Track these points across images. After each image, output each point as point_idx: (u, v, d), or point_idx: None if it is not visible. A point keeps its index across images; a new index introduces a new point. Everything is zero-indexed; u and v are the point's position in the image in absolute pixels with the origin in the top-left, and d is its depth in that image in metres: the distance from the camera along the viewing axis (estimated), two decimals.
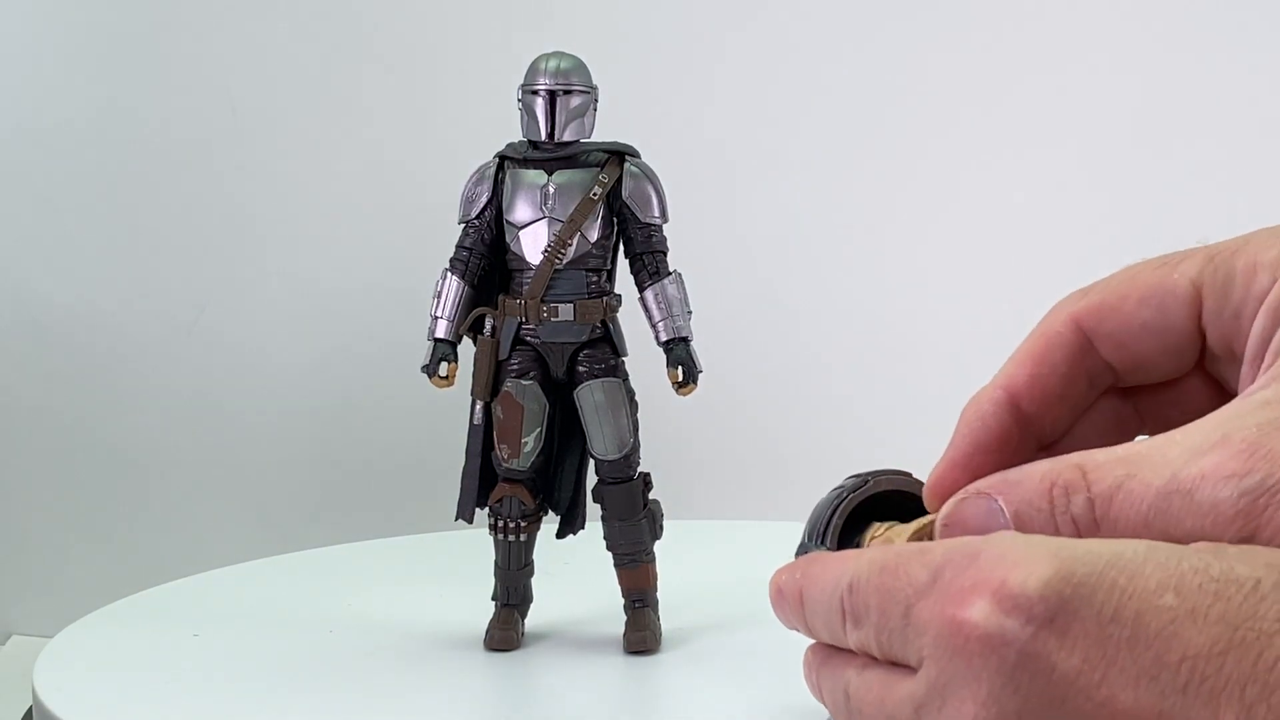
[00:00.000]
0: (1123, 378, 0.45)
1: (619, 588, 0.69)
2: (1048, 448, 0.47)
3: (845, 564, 0.43)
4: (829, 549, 0.48)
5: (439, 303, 0.69)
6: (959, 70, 1.15)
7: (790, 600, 0.48)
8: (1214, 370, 0.45)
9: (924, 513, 0.49)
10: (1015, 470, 0.42)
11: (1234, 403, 0.39)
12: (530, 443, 0.68)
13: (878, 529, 0.49)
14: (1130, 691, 0.35)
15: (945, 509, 0.43)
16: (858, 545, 0.46)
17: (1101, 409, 0.47)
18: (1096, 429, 0.47)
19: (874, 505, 0.51)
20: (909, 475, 0.51)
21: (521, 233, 0.68)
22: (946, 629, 0.38)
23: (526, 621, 0.70)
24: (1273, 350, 0.40)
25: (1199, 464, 0.37)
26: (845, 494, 0.51)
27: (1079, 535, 0.39)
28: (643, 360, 0.70)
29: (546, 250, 0.67)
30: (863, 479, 0.51)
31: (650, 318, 0.68)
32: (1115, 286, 0.45)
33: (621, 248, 0.70)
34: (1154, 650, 0.35)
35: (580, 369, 0.68)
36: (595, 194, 0.67)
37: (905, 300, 1.15)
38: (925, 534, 0.44)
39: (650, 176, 0.69)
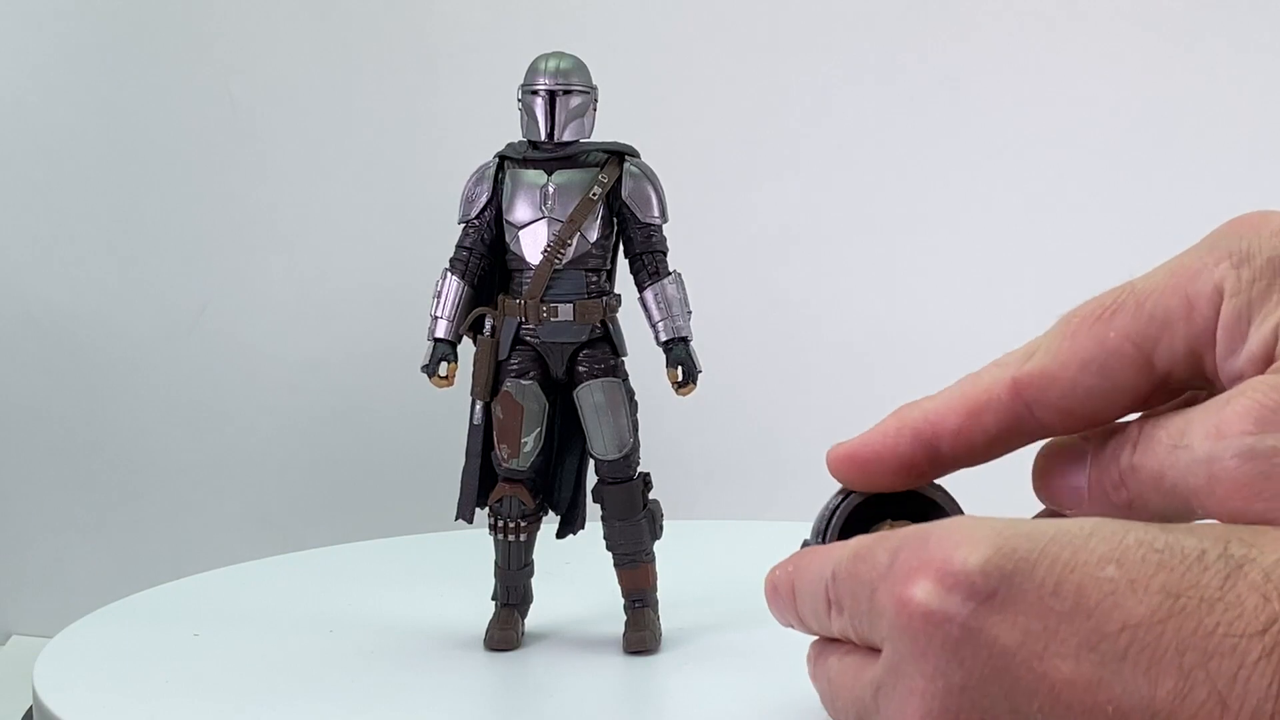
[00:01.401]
0: (1062, 432, 0.47)
1: (619, 588, 0.69)
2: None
3: (831, 554, 0.44)
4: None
5: (439, 303, 0.69)
6: (963, 70, 1.15)
7: (783, 593, 0.49)
8: (1182, 389, 0.45)
9: (937, 512, 0.50)
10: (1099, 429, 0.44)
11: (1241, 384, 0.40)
12: (530, 443, 0.68)
13: (882, 527, 0.49)
14: (1070, 662, 0.36)
15: (1047, 443, 0.45)
16: None
17: None
18: None
19: (887, 505, 0.51)
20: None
21: (521, 233, 0.68)
22: (894, 608, 0.39)
23: (526, 621, 0.70)
24: (1258, 359, 0.42)
25: (1197, 425, 0.40)
26: (849, 493, 0.52)
27: (1120, 479, 0.42)
28: (643, 360, 0.70)
29: (546, 250, 0.67)
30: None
31: (650, 318, 0.68)
32: (1056, 351, 0.46)
33: (621, 248, 0.70)
34: (1094, 621, 0.36)
35: (580, 369, 0.68)
36: (595, 194, 0.67)
37: (906, 300, 1.15)
38: None
39: (650, 176, 0.69)
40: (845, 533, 0.51)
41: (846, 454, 0.50)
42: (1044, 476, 0.47)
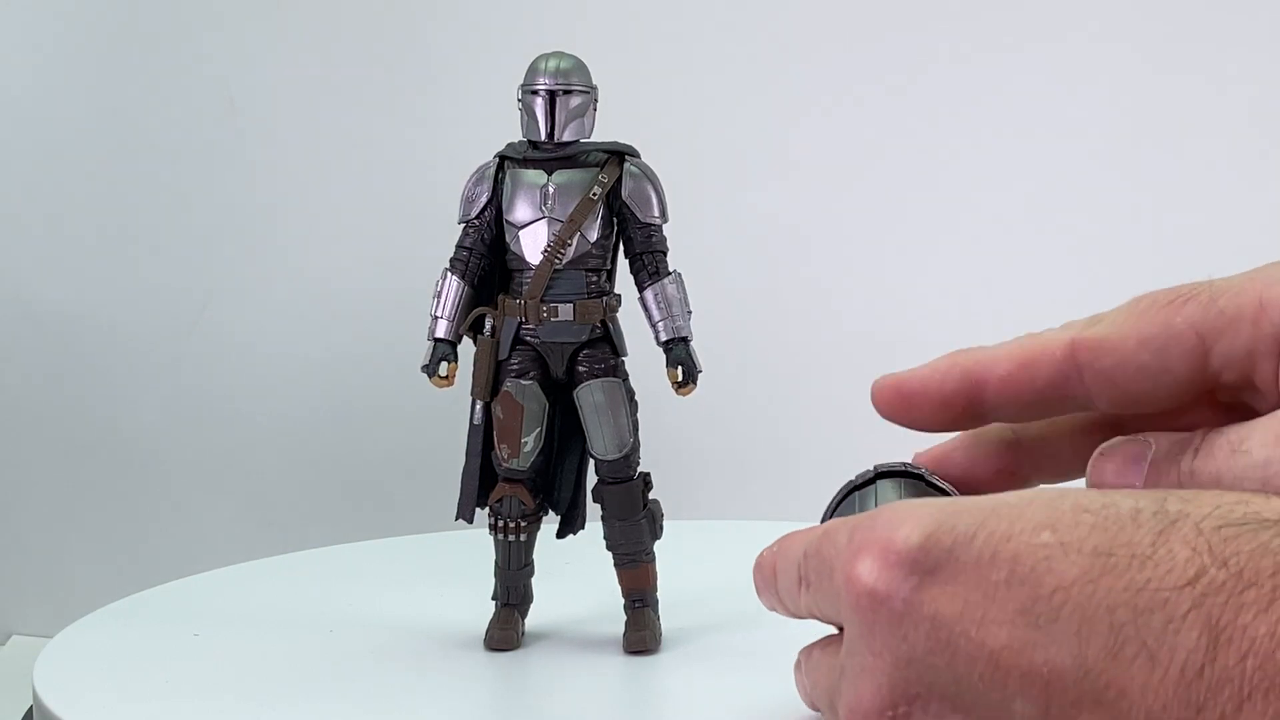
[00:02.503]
0: (1101, 407, 0.48)
1: (619, 588, 0.69)
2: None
3: (808, 534, 0.45)
4: None
5: (439, 303, 0.69)
6: (965, 69, 1.15)
7: (765, 573, 0.49)
8: (1226, 399, 0.46)
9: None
10: (1168, 432, 0.45)
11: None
12: (530, 443, 0.68)
13: None
14: (1006, 628, 0.36)
15: (1108, 444, 0.46)
16: None
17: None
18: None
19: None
20: (917, 467, 0.51)
21: (521, 233, 0.68)
22: (845, 587, 0.39)
23: (526, 621, 0.70)
24: None
25: (1259, 433, 0.41)
26: (849, 486, 0.52)
27: (1178, 482, 0.43)
28: (643, 360, 0.70)
29: (546, 250, 0.67)
30: (868, 472, 0.52)
31: (650, 318, 0.68)
32: (1121, 323, 0.47)
33: (621, 248, 0.70)
34: (1029, 586, 0.37)
35: (580, 369, 0.68)
36: (595, 194, 0.67)
37: (907, 300, 1.15)
38: None
39: (650, 176, 0.69)
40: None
41: (893, 384, 0.50)
42: (1099, 472, 0.47)
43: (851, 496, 0.52)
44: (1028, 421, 0.50)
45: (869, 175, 1.18)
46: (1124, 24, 1.12)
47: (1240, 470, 0.42)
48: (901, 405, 0.50)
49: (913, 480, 0.51)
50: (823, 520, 0.52)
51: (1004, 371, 0.49)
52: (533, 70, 0.68)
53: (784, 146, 1.19)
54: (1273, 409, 0.43)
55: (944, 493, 0.51)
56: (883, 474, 0.52)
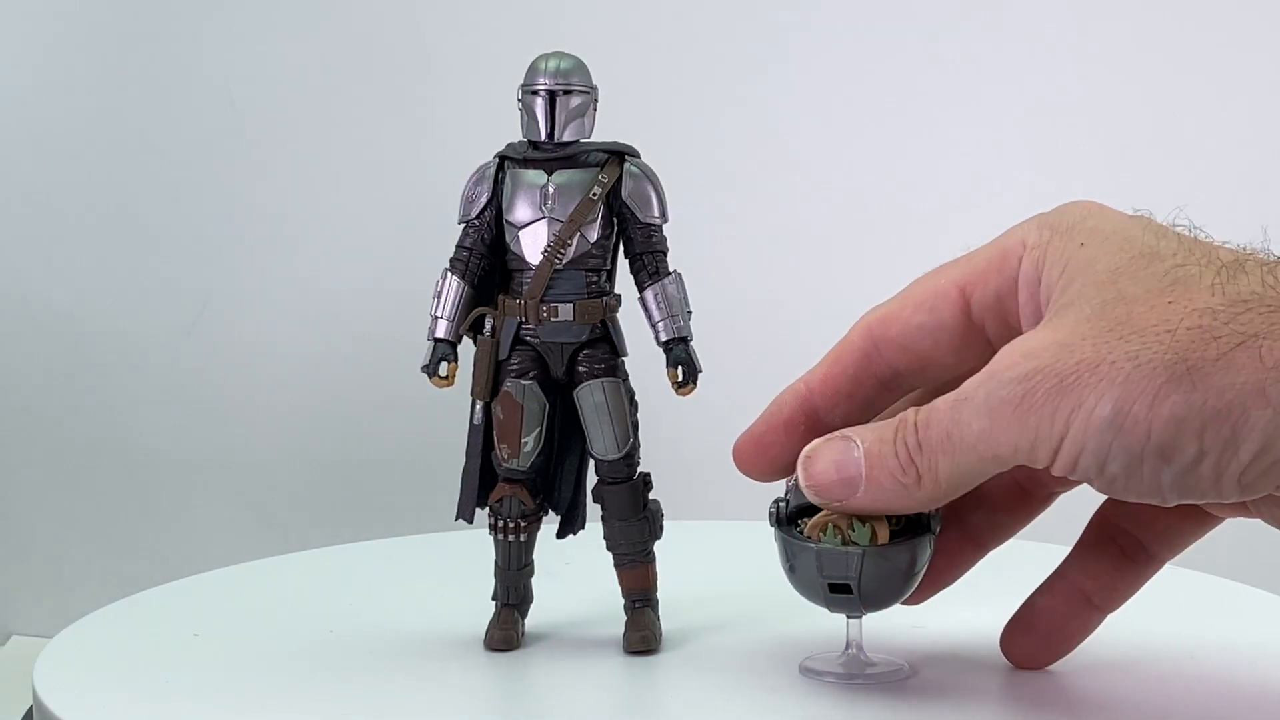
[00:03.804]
0: (908, 378, 0.54)
1: (619, 588, 0.69)
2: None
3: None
4: (787, 504, 0.59)
5: (439, 303, 0.69)
6: (966, 68, 1.15)
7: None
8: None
9: None
10: (871, 424, 0.53)
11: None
12: (530, 443, 0.68)
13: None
14: None
15: (810, 446, 0.54)
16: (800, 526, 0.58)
17: None
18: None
19: None
20: None
21: (521, 233, 0.67)
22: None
23: (526, 621, 0.70)
24: (1043, 302, 0.49)
25: (977, 377, 0.48)
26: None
27: (910, 458, 0.50)
28: (643, 360, 0.70)
29: (546, 250, 0.67)
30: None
31: (650, 318, 0.68)
32: (900, 297, 0.54)
33: (621, 248, 0.69)
34: None
35: (580, 369, 0.68)
36: (595, 194, 0.67)
37: None
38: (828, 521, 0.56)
39: (650, 176, 0.69)
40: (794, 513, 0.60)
41: (747, 439, 0.59)
42: (810, 471, 0.54)
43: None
44: (860, 410, 0.56)
45: (870, 175, 1.18)
46: (1124, 26, 1.12)
47: (967, 417, 0.48)
48: (756, 453, 0.58)
49: None
50: (786, 492, 0.60)
51: (820, 374, 0.56)
52: (533, 70, 0.68)
53: (784, 146, 1.19)
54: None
55: None
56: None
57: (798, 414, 0.57)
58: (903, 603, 0.59)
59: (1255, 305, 0.45)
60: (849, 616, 0.62)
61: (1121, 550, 0.57)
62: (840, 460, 0.53)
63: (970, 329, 0.53)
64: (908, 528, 0.59)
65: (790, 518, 0.60)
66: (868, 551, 0.56)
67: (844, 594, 0.58)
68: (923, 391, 0.56)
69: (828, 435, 0.54)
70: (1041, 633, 0.58)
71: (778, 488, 0.62)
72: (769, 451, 0.57)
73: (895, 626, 0.67)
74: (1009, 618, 0.60)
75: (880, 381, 0.56)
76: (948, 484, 0.50)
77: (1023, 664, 0.59)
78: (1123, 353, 0.45)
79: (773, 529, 0.61)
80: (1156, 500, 0.46)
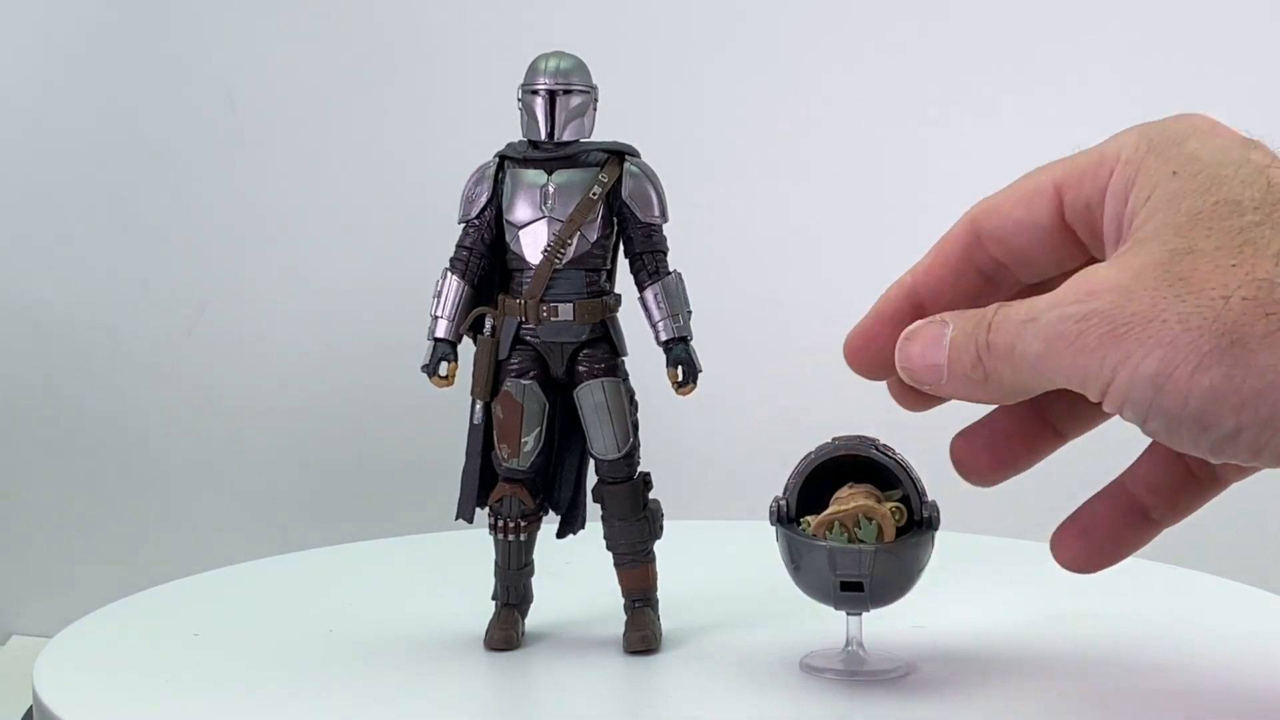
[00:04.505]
0: (1011, 271, 0.54)
1: (619, 588, 0.69)
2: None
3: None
4: (787, 503, 0.60)
5: (439, 302, 0.69)
6: (966, 68, 1.15)
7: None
8: (1097, 254, 0.52)
9: (879, 474, 0.60)
10: (967, 310, 0.52)
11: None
12: (530, 442, 0.68)
13: (842, 492, 0.61)
14: None
15: (911, 326, 0.54)
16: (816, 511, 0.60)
17: None
18: None
19: (845, 471, 0.62)
20: (870, 438, 0.62)
21: (521, 232, 0.68)
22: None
23: (526, 621, 0.70)
24: (1126, 224, 0.49)
25: (1047, 297, 0.48)
26: (811, 458, 0.62)
27: (979, 356, 0.50)
28: (643, 360, 0.70)
29: (546, 250, 0.67)
30: (827, 444, 0.62)
31: (650, 317, 0.68)
32: (1007, 189, 0.54)
33: (621, 247, 0.70)
34: None
35: (580, 369, 0.68)
36: (595, 194, 0.67)
37: None
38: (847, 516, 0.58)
39: (650, 176, 0.69)
40: (806, 486, 0.61)
41: (856, 334, 0.57)
42: (906, 356, 0.53)
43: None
44: (959, 295, 0.56)
45: (871, 175, 1.18)
46: (1126, 28, 1.12)
47: (1030, 337, 0.48)
48: (864, 347, 0.57)
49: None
50: (788, 484, 0.62)
51: (925, 265, 0.56)
52: (533, 70, 0.68)
53: (785, 146, 1.19)
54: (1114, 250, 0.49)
55: (894, 461, 0.60)
56: (841, 441, 0.62)
57: (904, 306, 0.56)
58: (968, 475, 0.57)
59: None
60: (849, 613, 0.62)
61: (1187, 468, 0.55)
62: (931, 345, 0.52)
63: (1064, 230, 0.53)
64: (911, 525, 0.59)
65: (791, 517, 0.61)
66: (879, 549, 0.57)
67: (855, 591, 0.58)
68: (1026, 287, 0.56)
69: (927, 319, 0.53)
70: (1094, 540, 0.56)
71: (776, 487, 0.62)
72: (876, 343, 0.56)
73: (895, 626, 0.67)
74: (1062, 520, 0.58)
75: (982, 274, 0.55)
76: (1010, 390, 0.50)
77: (1071, 567, 0.57)
78: (1176, 313, 0.45)
79: (775, 527, 0.61)
80: (1199, 456, 0.47)
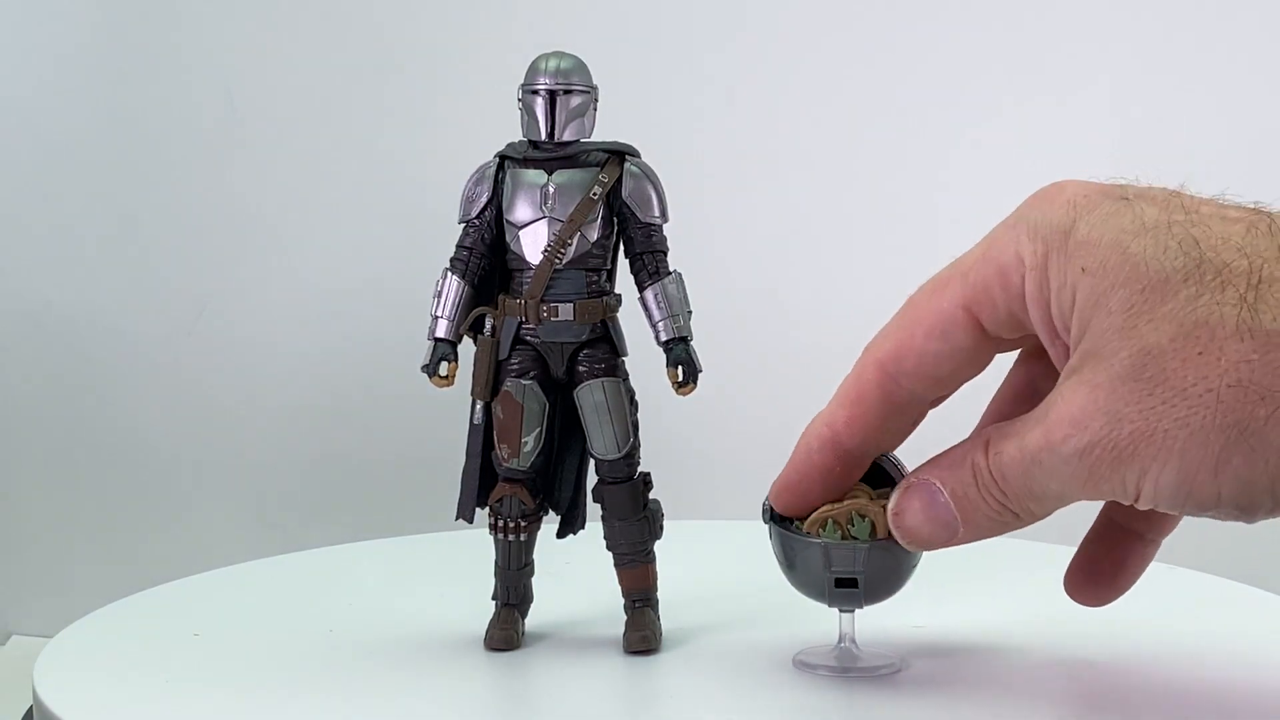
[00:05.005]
0: (930, 396, 0.55)
1: (619, 588, 0.69)
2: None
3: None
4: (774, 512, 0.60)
5: (439, 302, 0.69)
6: (967, 68, 1.15)
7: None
8: (1032, 344, 0.53)
9: (872, 472, 0.59)
10: (942, 455, 0.53)
11: (1061, 375, 0.49)
12: (530, 442, 0.68)
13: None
14: None
15: (892, 501, 0.55)
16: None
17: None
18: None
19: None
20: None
21: (521, 232, 0.68)
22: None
23: (526, 621, 0.70)
24: (1059, 328, 0.49)
25: (1035, 437, 0.48)
26: None
27: (1001, 504, 0.51)
28: (643, 360, 0.70)
29: (546, 250, 0.67)
30: None
31: (650, 317, 0.68)
32: (904, 324, 0.54)
33: (621, 247, 0.70)
34: None
35: (580, 368, 0.68)
36: (595, 194, 0.67)
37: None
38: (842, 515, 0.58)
39: (650, 176, 0.69)
40: None
41: (785, 489, 0.59)
42: (905, 526, 0.55)
43: None
44: (889, 443, 0.57)
45: (871, 175, 1.18)
46: (1126, 31, 1.12)
47: (1043, 479, 0.49)
48: (796, 499, 0.58)
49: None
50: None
51: (844, 417, 0.57)
52: (533, 70, 0.68)
53: (785, 146, 1.19)
54: (1062, 358, 0.50)
55: (887, 459, 0.59)
56: None
57: (830, 456, 0.57)
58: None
59: None
60: (842, 610, 0.62)
61: None
62: (931, 511, 0.53)
63: (986, 343, 0.53)
64: None
65: (784, 515, 0.61)
66: (874, 546, 0.57)
67: (849, 588, 0.59)
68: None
69: (903, 485, 0.55)
70: (1102, 575, 0.58)
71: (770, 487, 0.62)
72: (808, 496, 0.58)
73: (889, 625, 0.67)
74: (1069, 562, 0.60)
75: (902, 408, 0.56)
76: (1046, 513, 0.51)
77: (1090, 604, 0.59)
78: (1172, 420, 0.45)
79: (768, 525, 0.61)
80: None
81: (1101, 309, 0.47)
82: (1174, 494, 0.46)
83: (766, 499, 0.61)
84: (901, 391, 0.55)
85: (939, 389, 0.55)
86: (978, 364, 0.54)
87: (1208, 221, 0.47)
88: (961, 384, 0.55)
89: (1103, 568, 0.58)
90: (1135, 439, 0.46)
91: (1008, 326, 0.52)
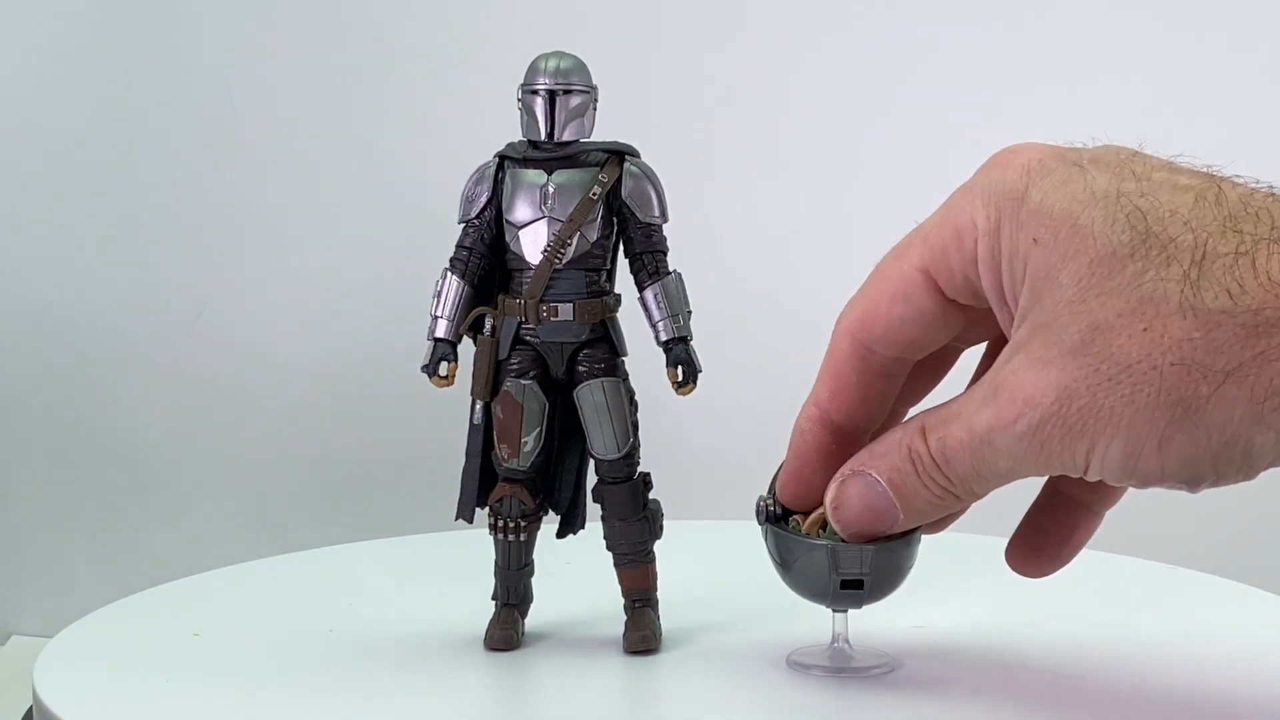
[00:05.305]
0: (908, 359, 0.55)
1: (619, 588, 0.69)
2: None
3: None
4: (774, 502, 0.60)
5: (439, 302, 0.69)
6: (967, 68, 1.15)
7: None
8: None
9: None
10: (877, 443, 0.53)
11: (1003, 351, 0.49)
12: (530, 442, 0.68)
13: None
14: None
15: (830, 493, 0.55)
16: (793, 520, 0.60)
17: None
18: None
19: None
20: None
21: (521, 232, 0.68)
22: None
23: (526, 621, 0.70)
24: (1009, 297, 0.49)
25: (985, 417, 0.48)
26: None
27: (944, 488, 0.51)
28: (643, 360, 0.70)
29: (546, 250, 0.67)
30: None
31: (650, 317, 0.68)
32: (870, 290, 0.54)
33: (621, 247, 0.70)
34: None
35: (580, 369, 0.68)
36: (595, 194, 0.67)
37: None
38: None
39: (650, 176, 0.69)
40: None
41: (789, 478, 0.58)
42: (846, 517, 0.56)
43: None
44: (876, 416, 0.57)
45: (872, 175, 1.18)
46: (1126, 31, 1.12)
47: (992, 461, 0.49)
48: (802, 487, 0.58)
49: None
50: (771, 490, 0.61)
51: (828, 392, 0.57)
52: (532, 70, 0.68)
53: (785, 146, 1.19)
54: (1008, 326, 0.50)
55: None
56: None
57: (823, 436, 0.57)
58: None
59: (1228, 326, 0.44)
60: (835, 610, 0.62)
61: None
62: (868, 500, 0.54)
63: (948, 307, 0.53)
64: None
65: (779, 515, 0.60)
66: (878, 547, 0.57)
67: (854, 589, 0.59)
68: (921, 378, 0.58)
69: (838, 477, 0.55)
70: (1046, 545, 0.58)
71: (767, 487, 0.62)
72: (812, 481, 0.58)
73: (882, 625, 0.67)
74: (1011, 534, 0.60)
75: (880, 374, 0.56)
76: (988, 492, 0.52)
77: (1028, 574, 0.59)
78: (1118, 396, 0.45)
79: (763, 526, 0.61)
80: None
81: (1053, 281, 0.47)
82: (1120, 468, 0.46)
83: (760, 499, 0.61)
84: (875, 358, 0.55)
85: (911, 352, 0.55)
86: (946, 327, 0.54)
87: (1157, 191, 0.48)
88: (935, 347, 0.55)
89: (1048, 538, 0.58)
90: (1084, 414, 0.46)
91: (964, 291, 0.52)
